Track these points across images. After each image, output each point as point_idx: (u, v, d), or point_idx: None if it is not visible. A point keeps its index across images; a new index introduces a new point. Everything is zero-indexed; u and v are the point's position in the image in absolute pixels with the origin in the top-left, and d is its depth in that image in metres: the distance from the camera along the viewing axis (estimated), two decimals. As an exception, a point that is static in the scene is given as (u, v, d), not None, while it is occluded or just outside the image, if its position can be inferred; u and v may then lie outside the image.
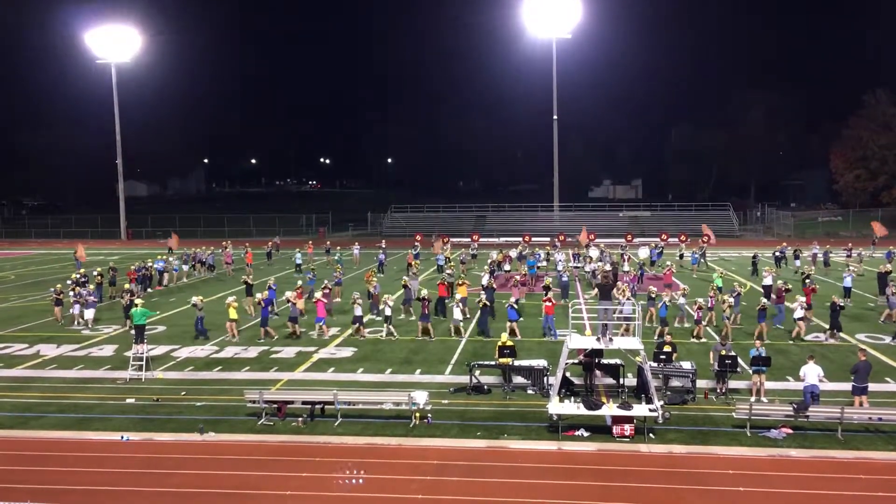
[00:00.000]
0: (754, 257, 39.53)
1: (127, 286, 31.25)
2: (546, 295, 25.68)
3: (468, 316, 27.27)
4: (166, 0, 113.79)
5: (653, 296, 26.31)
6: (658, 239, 51.38)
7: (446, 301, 28.48)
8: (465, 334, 25.32)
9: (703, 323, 24.75)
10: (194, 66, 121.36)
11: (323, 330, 25.14)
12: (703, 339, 23.79)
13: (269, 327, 24.97)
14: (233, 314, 24.90)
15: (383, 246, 46.25)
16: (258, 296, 26.29)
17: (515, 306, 24.96)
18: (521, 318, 25.66)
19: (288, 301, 25.94)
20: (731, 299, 24.82)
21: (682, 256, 43.11)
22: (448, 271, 34.79)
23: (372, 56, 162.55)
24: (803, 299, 24.70)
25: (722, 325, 24.32)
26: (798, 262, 39.78)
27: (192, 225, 73.80)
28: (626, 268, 36.31)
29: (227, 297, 27.45)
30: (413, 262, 38.27)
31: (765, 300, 25.13)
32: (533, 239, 52.64)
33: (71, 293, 28.66)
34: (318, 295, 27.06)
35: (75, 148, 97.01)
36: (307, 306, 27.62)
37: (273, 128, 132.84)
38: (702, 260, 41.64)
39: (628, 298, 24.53)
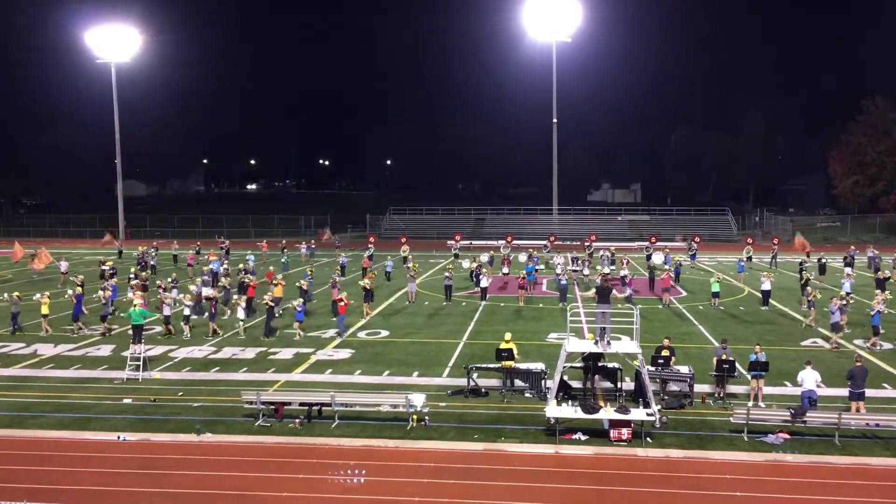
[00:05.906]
0: (820, 260, 39.16)
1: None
2: (340, 295, 27.02)
3: (279, 314, 27.30)
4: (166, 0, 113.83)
5: (811, 299, 26.89)
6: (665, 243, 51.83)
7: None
8: (464, 337, 25.37)
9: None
10: (194, 65, 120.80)
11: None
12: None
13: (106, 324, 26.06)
14: (44, 310, 25.95)
15: (312, 245, 50.78)
16: (69, 292, 27.43)
17: (300, 308, 25.56)
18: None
19: (102, 300, 26.56)
20: None
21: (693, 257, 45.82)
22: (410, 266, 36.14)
23: (373, 58, 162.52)
24: None
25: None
26: (849, 270, 37.64)
27: (191, 225, 73.69)
28: (624, 272, 36.15)
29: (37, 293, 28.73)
30: (411, 265, 38.20)
31: None
32: (530, 242, 52.61)
33: (169, 279, 31.79)
34: (132, 295, 27.24)
35: (74, 147, 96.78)
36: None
37: (273, 129, 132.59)
38: (773, 261, 44.27)
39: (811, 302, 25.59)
